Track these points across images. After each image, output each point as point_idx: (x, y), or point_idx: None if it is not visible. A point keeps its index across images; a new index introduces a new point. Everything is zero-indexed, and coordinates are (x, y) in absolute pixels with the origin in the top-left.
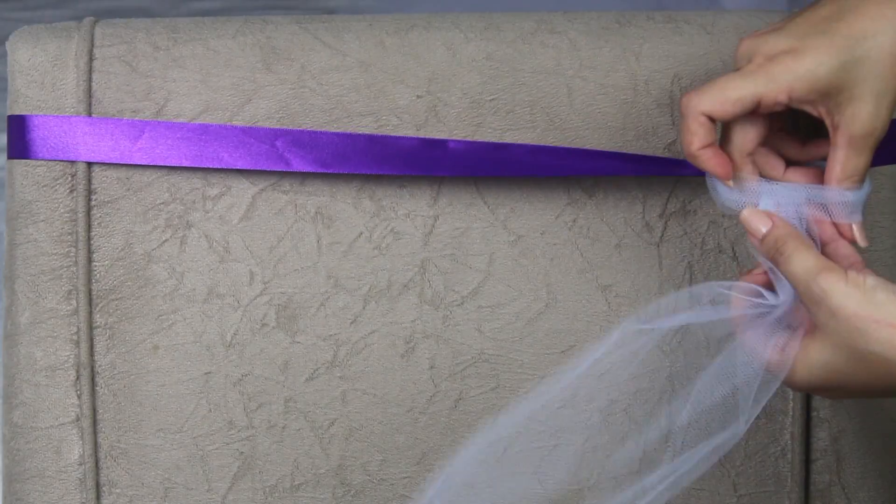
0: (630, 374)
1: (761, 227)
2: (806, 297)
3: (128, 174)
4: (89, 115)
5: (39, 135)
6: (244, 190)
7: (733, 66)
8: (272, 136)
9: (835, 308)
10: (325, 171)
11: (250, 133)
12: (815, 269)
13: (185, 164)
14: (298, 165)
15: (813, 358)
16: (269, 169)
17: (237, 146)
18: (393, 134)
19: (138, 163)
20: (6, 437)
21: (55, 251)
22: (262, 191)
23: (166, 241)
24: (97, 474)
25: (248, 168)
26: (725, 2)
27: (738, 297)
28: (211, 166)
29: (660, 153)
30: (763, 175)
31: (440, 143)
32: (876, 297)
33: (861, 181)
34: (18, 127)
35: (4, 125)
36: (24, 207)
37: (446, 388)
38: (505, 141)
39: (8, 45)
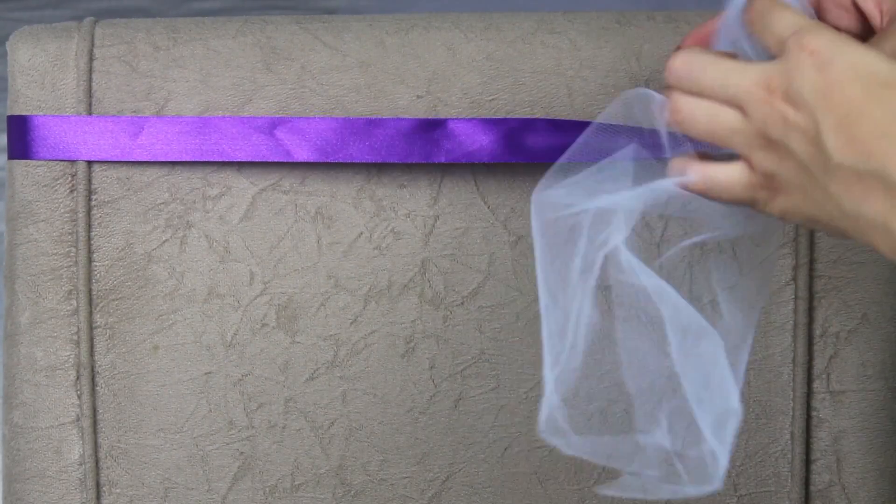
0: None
1: None
2: None
3: (128, 174)
4: (90, 115)
5: (39, 135)
6: (244, 190)
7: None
8: (271, 126)
9: None
10: (326, 160)
11: (249, 123)
12: None
13: (186, 158)
14: (299, 155)
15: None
16: (269, 160)
17: (237, 138)
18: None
19: (139, 159)
20: (6, 437)
21: (55, 251)
22: (263, 191)
23: (166, 241)
24: (97, 474)
25: (249, 160)
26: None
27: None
28: (212, 159)
29: None
30: None
31: (440, 123)
32: None
33: None
34: (18, 127)
35: (4, 125)
36: (25, 207)
37: (446, 389)
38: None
39: (8, 45)
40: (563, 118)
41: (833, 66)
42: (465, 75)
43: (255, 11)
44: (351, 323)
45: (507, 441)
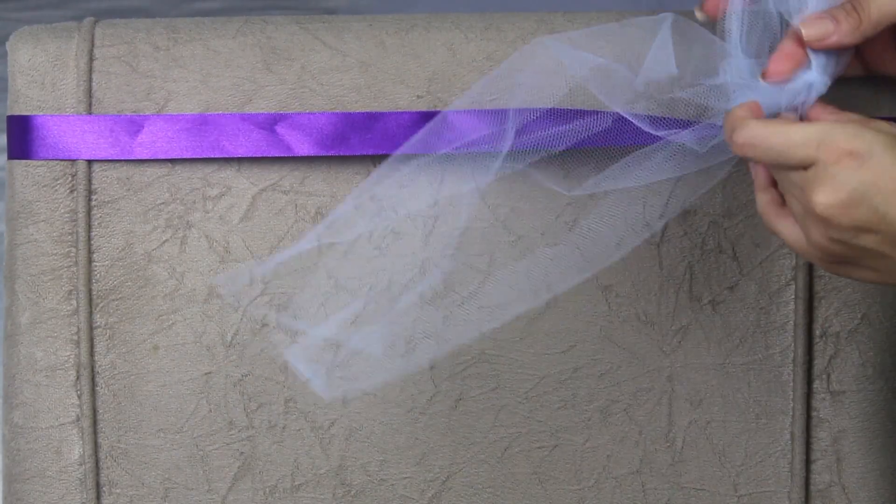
0: (631, 374)
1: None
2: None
3: (128, 174)
4: (90, 114)
5: (39, 135)
6: (244, 190)
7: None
8: (271, 122)
9: None
10: (327, 153)
11: (249, 119)
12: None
13: (187, 155)
14: (300, 150)
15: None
16: (270, 155)
17: (237, 134)
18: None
19: (139, 157)
20: (6, 438)
21: (55, 251)
22: (263, 191)
23: (166, 241)
24: (97, 474)
25: (250, 156)
26: None
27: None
28: (212, 156)
29: None
30: None
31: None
32: None
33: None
34: (18, 127)
35: (4, 125)
36: (25, 207)
37: (446, 389)
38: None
39: (8, 45)
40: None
41: (873, 156)
42: (465, 75)
43: (255, 11)
44: (351, 323)
45: (507, 441)
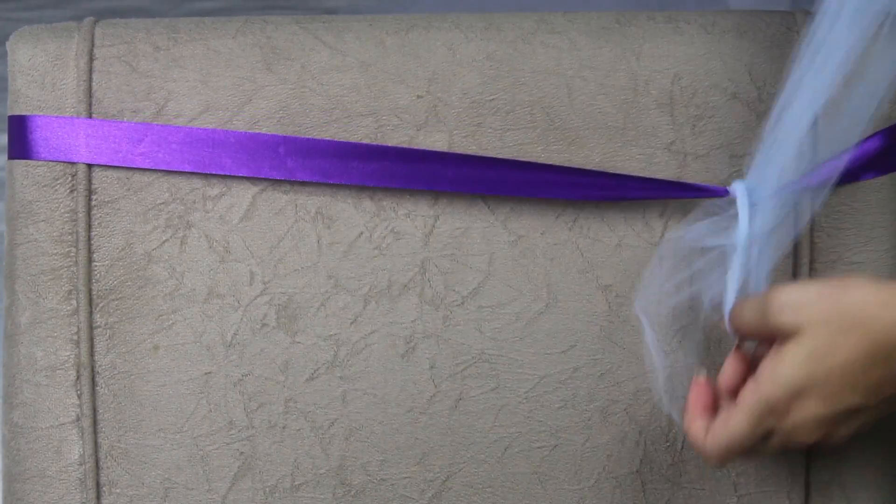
0: (630, 374)
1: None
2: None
3: (128, 174)
4: (90, 115)
5: (40, 135)
6: (244, 190)
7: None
8: (275, 143)
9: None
10: (326, 181)
11: (253, 139)
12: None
13: (187, 168)
14: (301, 175)
15: (792, 354)
16: (272, 177)
17: (241, 152)
18: (393, 134)
19: (140, 166)
20: (6, 437)
21: (55, 251)
22: (263, 191)
23: (166, 241)
24: (97, 474)
25: (251, 176)
26: (731, 1)
27: None
28: (213, 172)
29: (659, 153)
30: None
31: (445, 155)
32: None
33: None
34: (19, 127)
35: (4, 125)
36: (25, 207)
37: (446, 389)
38: (506, 141)
39: (8, 45)
40: (562, 117)
41: (802, 390)
42: (465, 75)
43: (255, 11)
44: (351, 323)
45: (507, 441)
